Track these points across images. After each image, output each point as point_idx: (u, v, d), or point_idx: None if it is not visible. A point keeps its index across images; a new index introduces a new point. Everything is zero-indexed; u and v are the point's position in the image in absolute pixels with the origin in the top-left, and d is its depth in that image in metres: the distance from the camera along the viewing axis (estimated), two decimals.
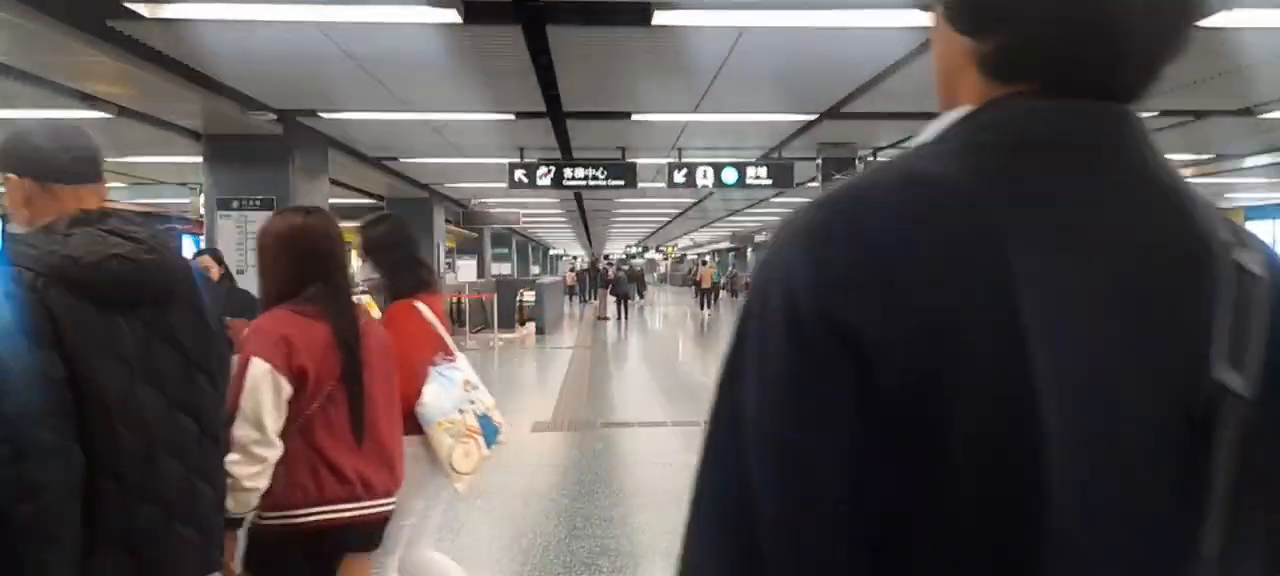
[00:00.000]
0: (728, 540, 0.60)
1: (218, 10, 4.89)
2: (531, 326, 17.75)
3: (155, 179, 12.93)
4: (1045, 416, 0.57)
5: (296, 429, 2.07)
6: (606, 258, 46.82)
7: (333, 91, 7.20)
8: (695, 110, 7.92)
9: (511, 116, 8.15)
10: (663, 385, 10.78)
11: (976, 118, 0.64)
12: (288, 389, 2.01)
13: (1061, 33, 0.62)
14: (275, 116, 8.09)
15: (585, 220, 25.31)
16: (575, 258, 55.51)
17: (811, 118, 8.41)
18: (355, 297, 2.34)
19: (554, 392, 9.54)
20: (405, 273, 2.89)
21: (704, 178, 10.31)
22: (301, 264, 2.16)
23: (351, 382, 2.14)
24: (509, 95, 7.31)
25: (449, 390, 2.71)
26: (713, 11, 4.90)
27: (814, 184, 10.66)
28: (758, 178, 10.40)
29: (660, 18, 4.96)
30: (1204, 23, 5.12)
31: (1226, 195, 18.19)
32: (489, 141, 9.95)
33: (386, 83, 6.74)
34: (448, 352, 2.83)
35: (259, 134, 8.56)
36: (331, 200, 17.53)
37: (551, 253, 53.86)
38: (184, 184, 12.74)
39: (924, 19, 4.97)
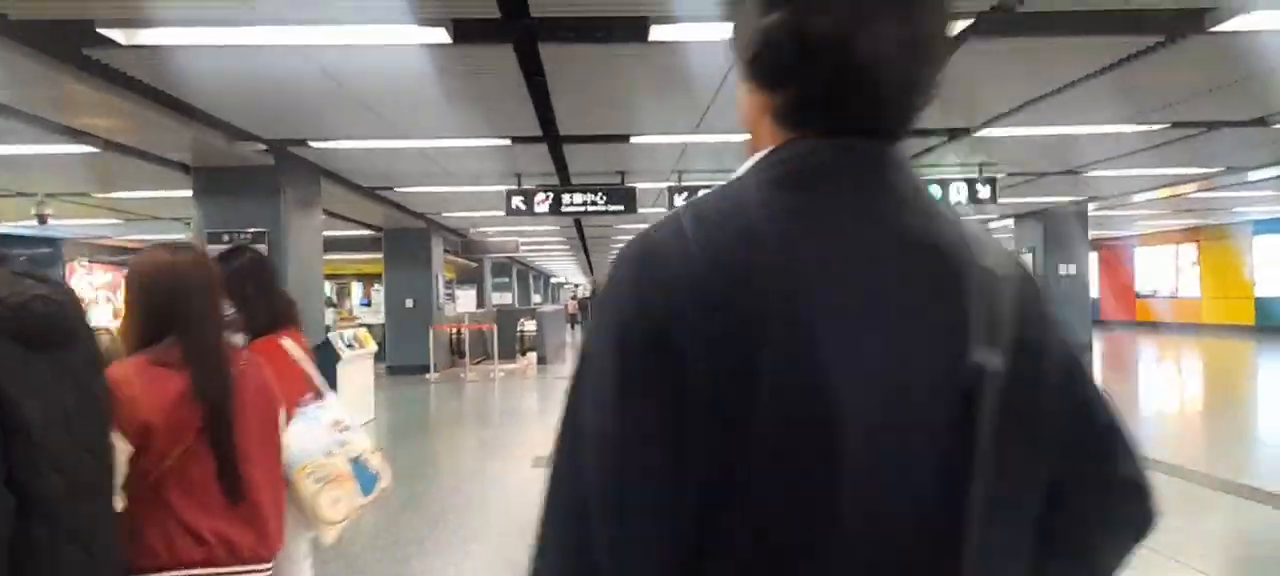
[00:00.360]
0: (569, 530, 0.72)
1: (194, 34, 4.70)
2: (533, 356, 17.52)
3: (151, 214, 12.76)
4: (839, 400, 0.69)
5: (146, 488, 1.86)
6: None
7: (322, 120, 7.02)
8: (695, 131, 7.73)
9: (507, 141, 7.97)
10: None
11: (773, 156, 0.79)
12: (127, 447, 1.81)
13: (833, 89, 0.76)
14: (264, 147, 7.91)
15: (585, 247, 25.11)
16: (576, 285, 55.29)
17: None
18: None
19: (555, 425, 9.26)
20: (267, 307, 2.68)
21: None
22: (162, 307, 1.96)
23: (217, 437, 1.94)
24: (504, 119, 7.13)
25: (314, 431, 2.48)
26: (712, 24, 4.70)
27: None
28: None
29: (657, 33, 4.77)
30: (1219, 27, 4.96)
31: (1234, 209, 17.98)
32: (485, 168, 9.76)
33: (377, 109, 6.56)
34: (315, 392, 2.62)
35: (248, 165, 8.39)
36: (328, 232, 17.43)
37: (553, 281, 53.61)
38: (177, 219, 12.56)
39: None
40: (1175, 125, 7.97)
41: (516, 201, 9.97)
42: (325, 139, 7.79)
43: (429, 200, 12.73)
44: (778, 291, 0.70)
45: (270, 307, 2.69)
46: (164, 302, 1.97)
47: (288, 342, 2.63)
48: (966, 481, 0.71)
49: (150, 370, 1.90)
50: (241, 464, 1.97)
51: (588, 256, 30.01)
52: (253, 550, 1.98)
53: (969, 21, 4.74)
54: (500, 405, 11.87)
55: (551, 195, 9.94)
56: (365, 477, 2.55)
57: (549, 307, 21.96)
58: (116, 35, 4.61)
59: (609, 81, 5.98)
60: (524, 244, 20.95)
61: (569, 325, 34.52)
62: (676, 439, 0.68)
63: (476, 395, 12.86)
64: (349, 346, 9.13)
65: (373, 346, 9.95)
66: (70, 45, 4.84)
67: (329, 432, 2.50)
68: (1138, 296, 25.34)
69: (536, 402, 12.14)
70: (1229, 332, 20.84)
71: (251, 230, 8.65)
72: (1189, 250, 23.22)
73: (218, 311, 2.10)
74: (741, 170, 0.81)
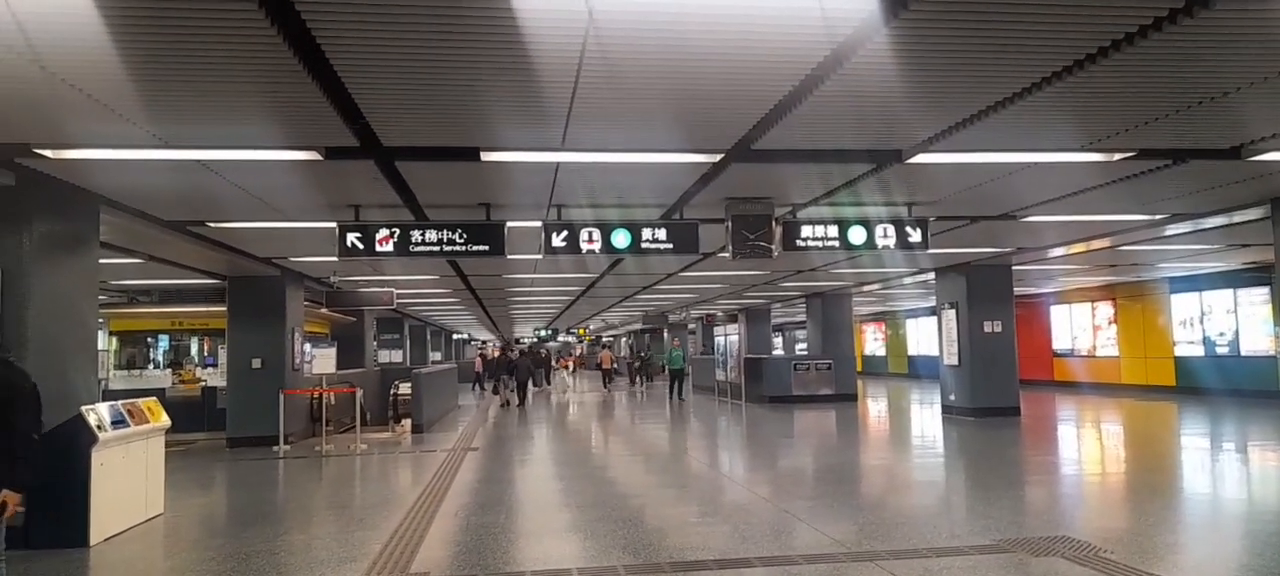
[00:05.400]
0: None
1: None
2: (408, 423, 15.33)
3: None
4: None
5: None
6: (518, 341, 44.29)
7: (35, 111, 5.01)
8: (562, 145, 6.00)
9: (317, 155, 6.06)
10: (556, 499, 8.56)
11: None
12: None
13: None
14: None
15: (479, 299, 23.04)
16: (484, 342, 52.78)
17: (715, 159, 6.59)
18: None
19: (392, 522, 7.24)
20: None
21: (589, 241, 8.34)
22: None
23: None
24: (296, 115, 5.25)
25: None
26: None
27: (725, 254, 8.79)
28: (655, 241, 8.50)
29: None
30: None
31: (1158, 265, 17.31)
32: (310, 197, 7.80)
33: (92, 92, 4.60)
34: None
35: None
36: (162, 282, 14.96)
37: (456, 338, 50.94)
38: None
39: None
40: (1141, 154, 6.67)
41: (352, 238, 8.01)
42: (59, 146, 5.74)
43: (260, 239, 10.59)
44: None
45: None
46: None
47: None
48: None
49: None
50: None
51: (485, 309, 27.90)
52: None
53: None
54: (344, 491, 9.70)
55: (397, 232, 8.03)
56: None
57: (435, 367, 19.68)
58: None
59: (409, 44, 4.19)
60: (401, 295, 18.77)
61: (473, 387, 31.94)
62: None
63: (325, 475, 10.65)
64: (116, 422, 6.93)
65: (161, 419, 7.75)
66: None
67: None
68: (1055, 355, 24.73)
69: (389, 485, 10.02)
70: (1150, 393, 20.18)
71: None
72: (1105, 308, 22.71)
73: None
74: None
